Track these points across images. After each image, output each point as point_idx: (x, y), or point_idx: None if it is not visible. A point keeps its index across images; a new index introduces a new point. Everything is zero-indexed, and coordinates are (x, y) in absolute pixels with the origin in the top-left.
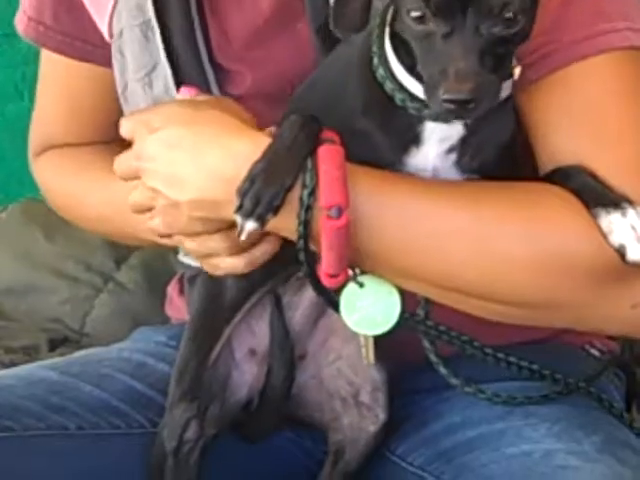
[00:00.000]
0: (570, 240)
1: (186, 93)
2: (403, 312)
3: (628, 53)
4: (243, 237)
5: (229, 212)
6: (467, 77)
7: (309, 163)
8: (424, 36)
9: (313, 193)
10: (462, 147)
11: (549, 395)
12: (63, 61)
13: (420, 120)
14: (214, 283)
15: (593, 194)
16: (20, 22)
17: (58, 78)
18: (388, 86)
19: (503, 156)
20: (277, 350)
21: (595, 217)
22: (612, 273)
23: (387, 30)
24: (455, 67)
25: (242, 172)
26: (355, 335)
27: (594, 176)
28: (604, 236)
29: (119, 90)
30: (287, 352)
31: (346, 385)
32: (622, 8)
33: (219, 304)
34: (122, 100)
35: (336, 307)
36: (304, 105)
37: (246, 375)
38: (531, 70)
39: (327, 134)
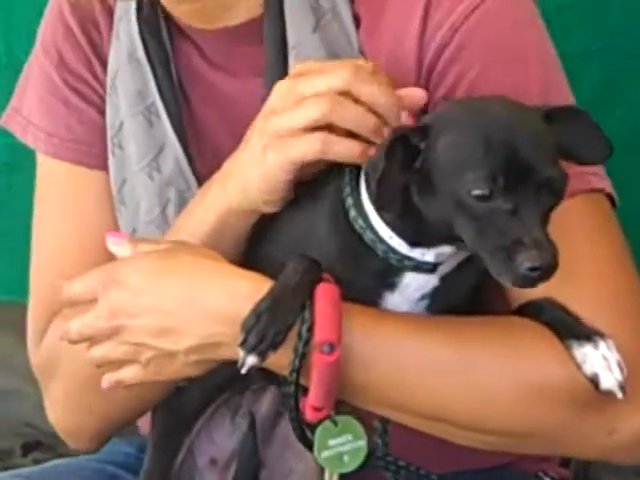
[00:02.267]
0: (548, 372)
1: (118, 241)
2: (369, 455)
3: (590, 195)
4: (244, 371)
5: (229, 352)
6: (547, 245)
7: (307, 301)
8: (489, 212)
9: (311, 329)
10: (434, 294)
11: None
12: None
13: (398, 270)
14: (173, 394)
15: (566, 327)
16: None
17: (61, 201)
18: (368, 237)
19: (470, 301)
20: (244, 465)
21: (569, 349)
22: (588, 401)
23: (363, 186)
24: (533, 237)
25: (242, 310)
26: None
27: (565, 309)
28: (578, 366)
29: (115, 191)
30: (253, 467)
31: None
32: None
33: (179, 414)
34: (118, 203)
35: (306, 441)
36: (274, 253)
37: None
38: None
39: (325, 274)
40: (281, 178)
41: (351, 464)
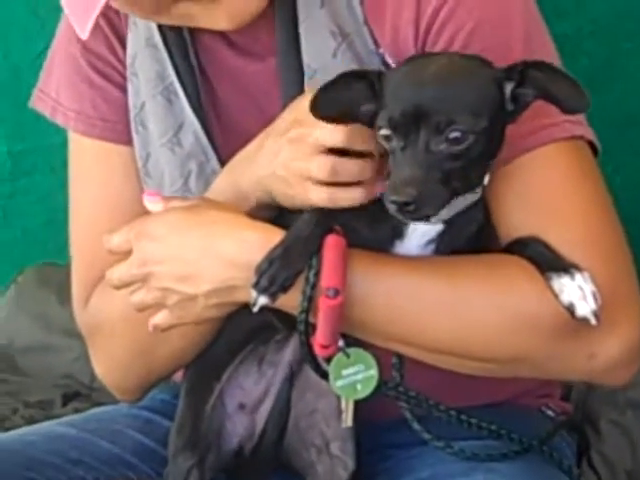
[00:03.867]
0: (529, 302)
1: (153, 199)
2: (380, 382)
3: (571, 142)
4: (255, 309)
5: (244, 295)
6: (408, 184)
7: (316, 250)
8: (390, 150)
9: (317, 274)
10: (439, 240)
11: (508, 454)
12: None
13: (405, 222)
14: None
15: (546, 261)
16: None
17: (96, 176)
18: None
19: (473, 242)
20: (277, 412)
21: (548, 280)
22: (566, 328)
23: None
24: (401, 175)
25: (254, 258)
26: (331, 394)
27: (547, 246)
28: (556, 296)
29: (140, 165)
30: (284, 414)
31: (319, 436)
32: None
33: (209, 363)
34: (143, 175)
35: (321, 373)
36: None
37: (237, 426)
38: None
39: (336, 227)
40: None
41: (364, 391)
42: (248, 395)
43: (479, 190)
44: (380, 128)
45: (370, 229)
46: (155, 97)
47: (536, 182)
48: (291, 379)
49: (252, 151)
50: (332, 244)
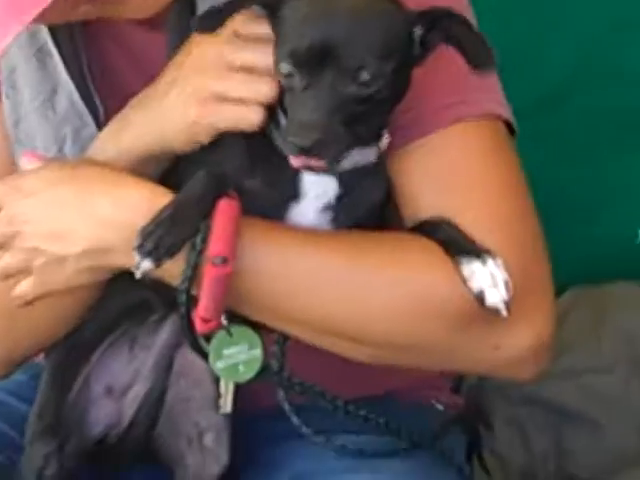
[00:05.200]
0: (435, 287)
1: (32, 160)
2: (264, 364)
3: (485, 120)
4: (138, 275)
5: (120, 258)
6: (310, 127)
7: (207, 214)
8: (289, 88)
9: (205, 241)
10: (337, 206)
11: (395, 450)
12: None
13: (299, 176)
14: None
15: (457, 244)
16: None
17: None
18: (277, 138)
19: (374, 215)
20: (148, 398)
21: (457, 265)
22: (473, 317)
23: None
24: (302, 116)
25: (135, 218)
26: (207, 380)
27: (458, 229)
28: (465, 282)
29: (10, 129)
30: (156, 401)
31: (192, 426)
32: (478, 78)
33: (77, 343)
34: (14, 142)
35: (200, 351)
36: (194, 166)
37: (103, 411)
38: (396, 137)
39: (230, 191)
40: (202, 137)
41: (247, 374)
42: (116, 379)
43: (374, 150)
44: (279, 62)
45: (266, 189)
46: (29, 60)
47: (447, 161)
48: (166, 364)
49: (135, 105)
50: (224, 209)
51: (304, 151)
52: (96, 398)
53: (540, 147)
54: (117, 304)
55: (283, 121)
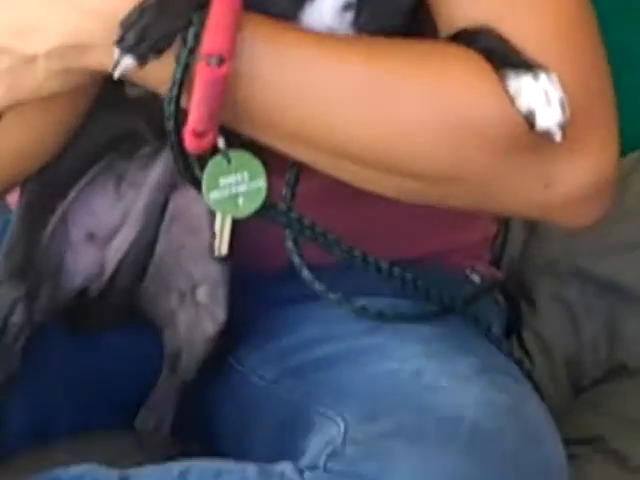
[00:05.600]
0: (476, 103)
1: None
2: (267, 199)
3: None
4: (117, 74)
5: (99, 57)
6: None
7: (203, 2)
8: None
9: (198, 36)
10: (359, 4)
11: (422, 314)
12: None
13: None
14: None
15: (503, 55)
16: None
17: None
18: None
19: (404, 22)
20: (135, 246)
21: (503, 79)
22: (521, 143)
23: None
24: None
25: (118, 7)
26: (205, 227)
27: (504, 39)
28: (512, 100)
29: None
30: (145, 249)
31: (184, 278)
32: None
33: (53, 176)
34: None
35: (194, 180)
36: None
37: (83, 260)
38: None
39: None
40: None
41: (247, 208)
42: (100, 222)
43: None
44: None
45: None
46: None
47: None
48: (158, 206)
49: None
50: None
51: None
52: (75, 243)
53: None
54: (101, 133)
55: None
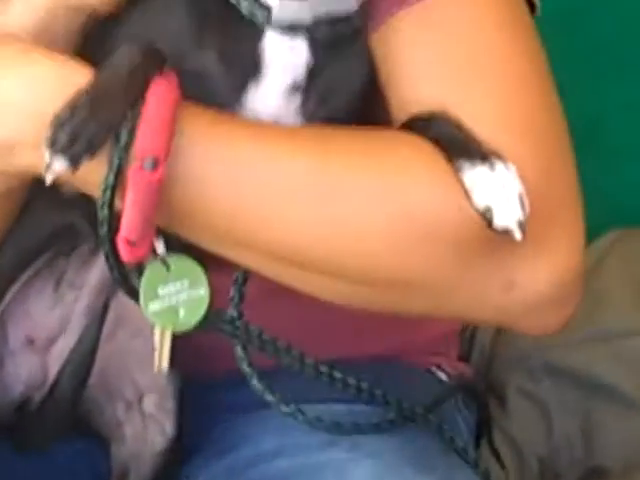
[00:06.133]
0: (429, 200)
1: None
2: (211, 308)
3: None
4: (49, 179)
5: (29, 157)
6: None
7: (140, 97)
8: None
9: (133, 133)
10: (307, 88)
11: (380, 424)
12: None
13: (259, 40)
14: None
15: (457, 145)
16: None
17: None
18: None
19: (355, 106)
20: (78, 351)
21: (458, 171)
22: (478, 242)
23: None
24: None
25: (47, 105)
26: (150, 330)
27: (459, 125)
28: (468, 195)
29: None
30: (88, 354)
31: (130, 386)
32: None
33: None
34: None
35: (130, 291)
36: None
37: (23, 367)
38: (384, 5)
39: (167, 71)
40: None
41: (189, 320)
42: (39, 326)
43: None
44: None
45: (216, 63)
46: None
47: (444, 37)
48: (99, 308)
49: None
50: (158, 91)
51: None
52: (14, 348)
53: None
54: (37, 230)
55: None
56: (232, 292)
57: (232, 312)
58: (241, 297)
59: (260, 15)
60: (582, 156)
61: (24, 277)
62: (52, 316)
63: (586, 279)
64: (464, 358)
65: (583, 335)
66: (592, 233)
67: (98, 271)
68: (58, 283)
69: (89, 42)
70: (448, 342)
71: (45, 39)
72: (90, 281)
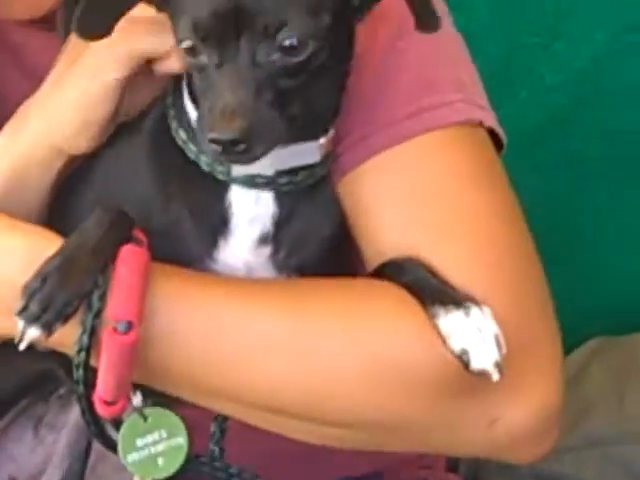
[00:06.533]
0: (405, 347)
1: None
2: (190, 455)
3: (464, 128)
4: (23, 346)
5: (3, 323)
6: (234, 113)
7: (110, 263)
8: (199, 70)
9: (104, 298)
10: (277, 238)
11: None
12: None
13: (224, 196)
14: None
15: (431, 290)
16: None
17: None
18: (191, 150)
19: (326, 253)
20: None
21: (433, 317)
22: (456, 385)
23: (184, 84)
24: (223, 102)
25: (16, 273)
26: None
27: (431, 271)
28: (443, 340)
29: None
30: None
31: None
32: (453, 74)
33: None
34: None
35: (107, 442)
36: (86, 206)
37: None
38: (350, 155)
39: (136, 233)
40: (104, 97)
41: (168, 468)
42: (21, 468)
43: (318, 147)
44: (182, 40)
45: (183, 222)
46: None
47: (415, 184)
48: (80, 448)
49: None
50: (128, 257)
51: (231, 148)
52: None
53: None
54: (14, 376)
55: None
56: (213, 428)
57: (213, 448)
58: (222, 433)
59: (221, 171)
60: (561, 268)
61: (4, 422)
62: (34, 457)
63: (571, 387)
64: (452, 468)
65: (571, 442)
66: (574, 341)
67: (77, 412)
68: (38, 425)
69: (56, 203)
70: (435, 454)
71: (16, 194)
72: (70, 422)
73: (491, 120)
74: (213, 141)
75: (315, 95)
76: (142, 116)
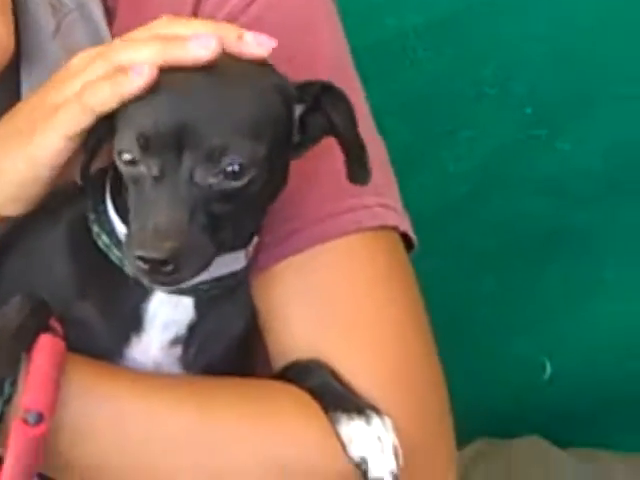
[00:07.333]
0: (305, 453)
1: None
2: None
3: (379, 232)
4: None
5: None
6: (167, 233)
7: (24, 352)
8: (135, 181)
9: (15, 385)
10: (189, 339)
11: None
12: None
13: (144, 298)
14: None
15: (334, 396)
16: None
17: None
18: (115, 255)
19: (234, 352)
20: None
21: (335, 424)
22: None
23: (108, 189)
24: (156, 220)
25: None
26: None
27: (336, 375)
28: (343, 446)
29: None
30: None
31: None
32: (375, 177)
33: None
34: None
35: None
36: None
37: None
38: (265, 253)
39: (52, 322)
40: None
41: None
42: None
43: (243, 255)
44: (122, 152)
45: (97, 316)
46: None
47: (325, 286)
48: None
49: None
50: (45, 346)
51: (157, 267)
52: None
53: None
54: None
55: (121, 228)
56: None
57: None
58: None
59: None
60: (450, 365)
61: None
62: None
63: None
64: None
65: None
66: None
67: None
68: None
69: None
70: None
71: None
72: None
73: (406, 225)
74: (141, 258)
75: (246, 218)
76: (65, 198)
